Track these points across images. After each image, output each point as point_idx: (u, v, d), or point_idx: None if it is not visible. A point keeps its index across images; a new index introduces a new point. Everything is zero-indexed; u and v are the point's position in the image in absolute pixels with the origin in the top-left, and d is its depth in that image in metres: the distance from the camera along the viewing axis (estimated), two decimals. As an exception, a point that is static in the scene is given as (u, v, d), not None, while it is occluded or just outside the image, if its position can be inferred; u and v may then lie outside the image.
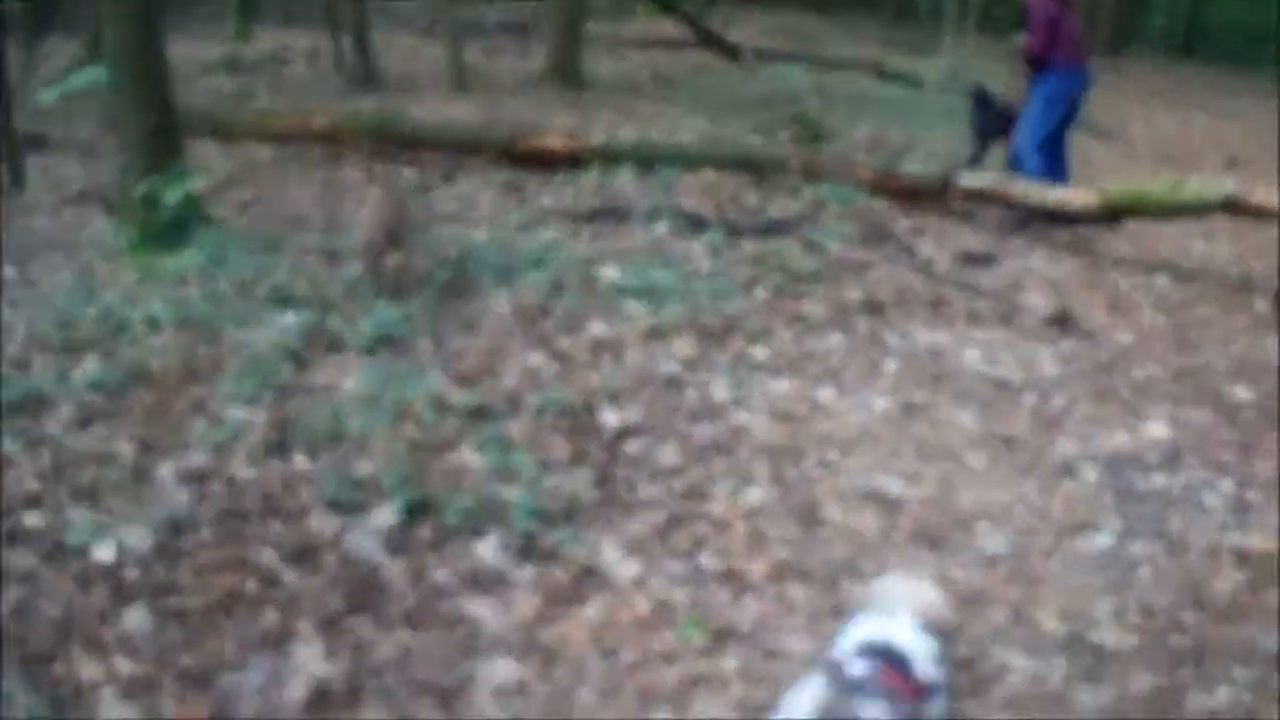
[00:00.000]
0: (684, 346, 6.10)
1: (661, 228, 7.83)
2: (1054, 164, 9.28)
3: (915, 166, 8.96)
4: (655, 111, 13.19)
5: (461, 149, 9.57)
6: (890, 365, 6.17)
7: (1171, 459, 5.42)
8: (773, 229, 7.86)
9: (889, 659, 2.72)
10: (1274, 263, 8.67)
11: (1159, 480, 5.22)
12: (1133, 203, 8.10)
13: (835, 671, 2.68)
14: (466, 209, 8.34)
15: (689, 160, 9.13)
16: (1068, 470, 5.25)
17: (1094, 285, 7.70)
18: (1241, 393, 6.21)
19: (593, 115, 12.60)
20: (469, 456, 4.85)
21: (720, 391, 5.71)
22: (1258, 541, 4.75)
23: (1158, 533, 4.79)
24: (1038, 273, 7.83)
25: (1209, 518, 4.94)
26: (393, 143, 9.74)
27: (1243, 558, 4.65)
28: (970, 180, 8.55)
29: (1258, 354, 6.82)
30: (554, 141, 9.43)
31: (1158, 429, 5.71)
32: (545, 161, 9.31)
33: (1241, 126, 18.47)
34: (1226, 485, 5.23)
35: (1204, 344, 6.90)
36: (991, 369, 6.20)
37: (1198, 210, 8.11)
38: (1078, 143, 13.57)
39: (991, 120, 10.03)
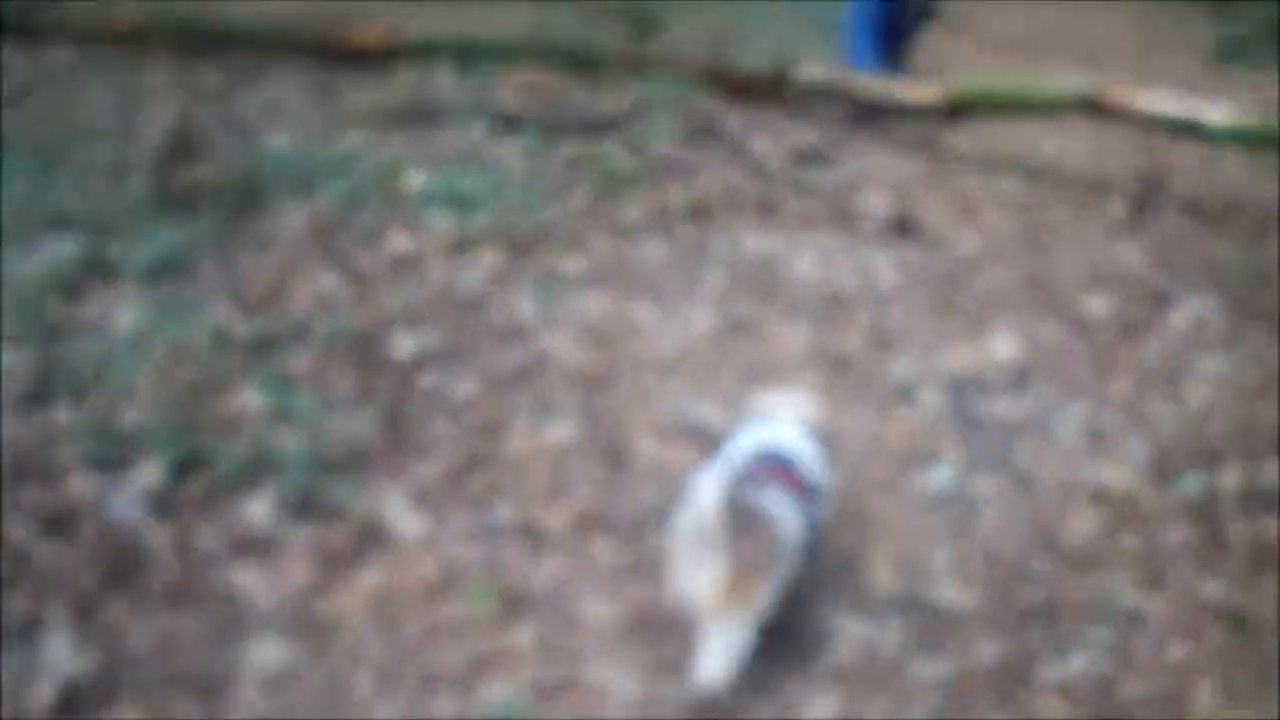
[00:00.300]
0: (490, 260, 5.47)
1: (476, 130, 7.09)
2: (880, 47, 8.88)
3: (749, 60, 8.24)
4: (480, 6, 12.29)
5: (272, 46, 8.65)
6: (715, 276, 5.56)
7: (1020, 380, 4.94)
8: (595, 128, 7.16)
9: (779, 461, 3.04)
10: (1132, 162, 8.26)
11: (1005, 405, 4.74)
12: (977, 98, 7.53)
13: (733, 469, 2.90)
14: (270, 112, 7.49)
15: (509, 54, 8.33)
16: (905, 394, 4.74)
17: (937, 186, 7.16)
18: (1096, 305, 5.75)
19: (418, 5, 11.74)
20: (249, 397, 4.27)
21: (527, 310, 5.12)
22: (1114, 476, 4.26)
23: (1004, 466, 4.28)
24: (877, 173, 7.26)
25: (1060, 448, 4.47)
26: (200, 41, 8.78)
27: (1098, 495, 4.19)
28: (807, 74, 7.89)
29: (1113, 261, 6.40)
30: (369, 37, 8.54)
31: (1005, 346, 5.20)
32: (360, 58, 8.43)
33: (1101, 17, 18.15)
34: (1080, 410, 4.78)
35: (1055, 250, 6.43)
36: (825, 279, 5.64)
37: (1049, 108, 7.62)
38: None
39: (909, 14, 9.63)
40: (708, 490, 2.76)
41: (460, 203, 5.89)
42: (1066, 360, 5.15)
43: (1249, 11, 19.16)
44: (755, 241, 5.96)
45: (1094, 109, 7.39)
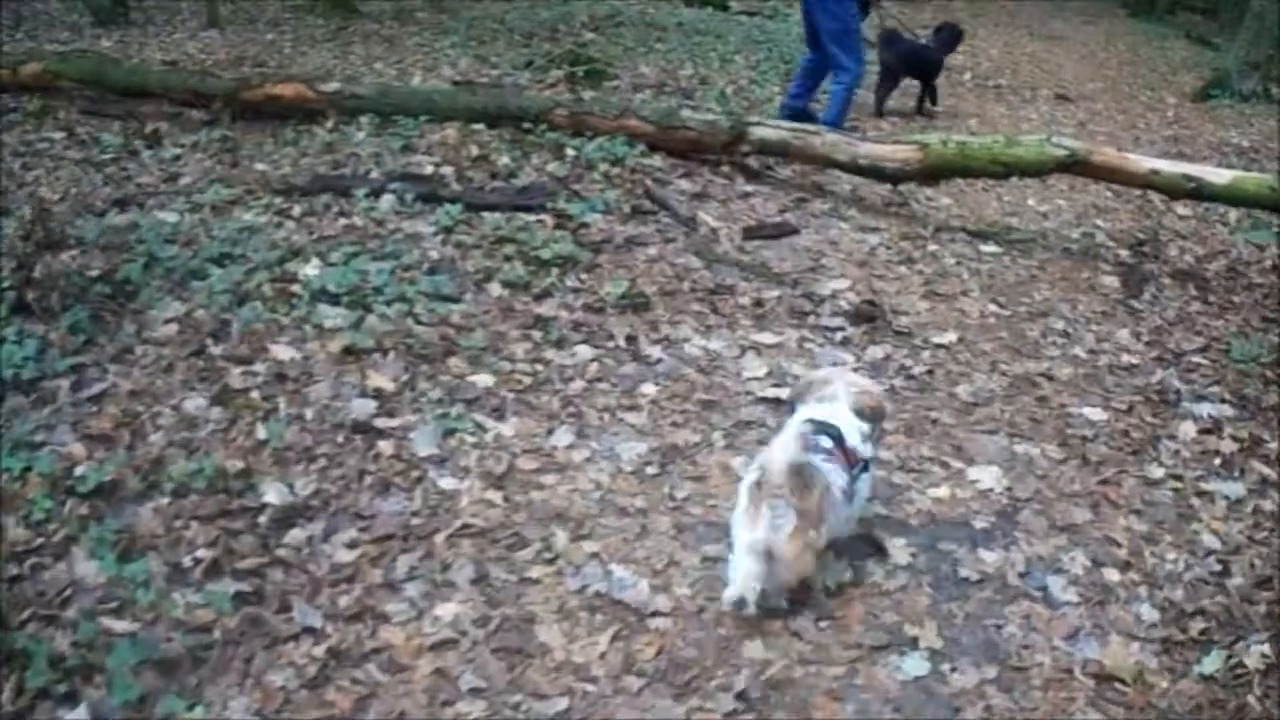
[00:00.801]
0: (386, 374, 4.72)
1: (388, 202, 6.35)
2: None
3: (701, 115, 7.52)
4: (422, 44, 11.65)
5: (182, 98, 7.92)
6: (649, 389, 4.84)
7: (1008, 521, 4.21)
8: (523, 200, 6.39)
9: (828, 434, 3.48)
10: (1124, 224, 7.60)
11: (990, 559, 3.94)
12: (958, 161, 6.86)
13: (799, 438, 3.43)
14: (165, 180, 6.78)
15: (436, 112, 7.62)
16: (872, 548, 3.92)
17: (910, 260, 6.50)
18: (1092, 413, 5.04)
19: (352, 49, 11.12)
20: (82, 567, 3.54)
21: (423, 443, 4.35)
22: (1120, 655, 3.51)
23: (990, 650, 3.51)
24: (843, 247, 6.58)
25: (1056, 617, 3.68)
26: (109, 91, 8.07)
27: (1102, 683, 3.40)
28: (765, 133, 7.16)
29: (1109, 353, 5.73)
30: (286, 90, 7.79)
31: (989, 475, 4.48)
32: (277, 113, 7.83)
33: (1073, 51, 17.60)
34: (1078, 561, 4.02)
35: (1044, 342, 5.72)
36: (776, 389, 4.85)
37: (1033, 171, 6.91)
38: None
39: (898, 59, 10.67)
40: (782, 454, 3.36)
41: (358, 298, 5.16)
42: (1061, 491, 4.44)
43: (1230, 47, 18.73)
44: (698, 342, 5.25)
45: (1083, 169, 6.64)
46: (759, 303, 5.66)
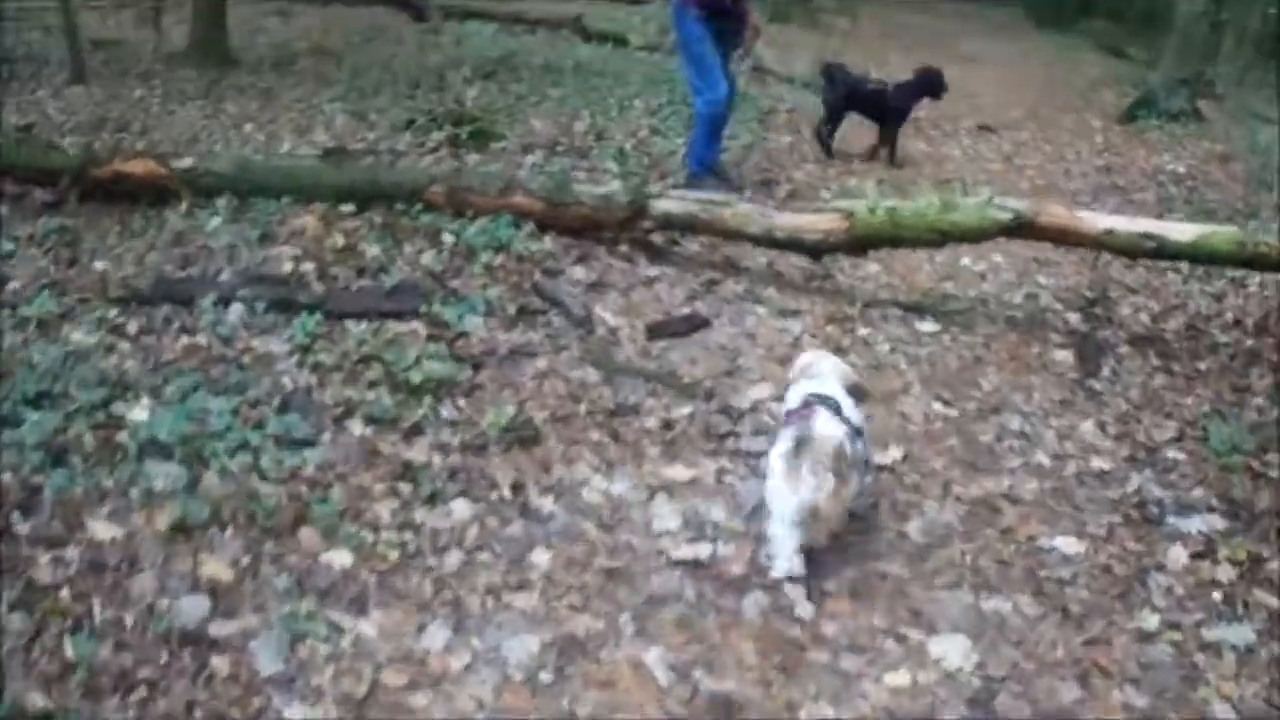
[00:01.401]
0: (224, 557, 3.87)
1: (237, 313, 5.50)
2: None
3: (596, 189, 6.73)
4: (300, 99, 10.83)
5: (26, 176, 7.09)
6: (541, 557, 4.05)
7: (982, 712, 3.45)
8: (392, 304, 5.57)
9: (827, 404, 4.02)
10: (1071, 282, 6.97)
11: (969, 780, 3.17)
12: (889, 230, 6.16)
13: (797, 420, 3.97)
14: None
15: (300, 191, 6.79)
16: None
17: (840, 349, 5.77)
18: (1066, 545, 4.36)
19: (225, 106, 10.30)
20: None
21: (267, 658, 3.49)
22: None
23: None
24: (762, 340, 5.87)
25: None
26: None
27: None
28: (670, 206, 6.39)
29: (1075, 455, 5.08)
30: (136, 166, 6.93)
31: (954, 649, 3.75)
32: (126, 195, 6.97)
33: (989, 73, 17.11)
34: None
35: (1000, 449, 5.06)
36: (694, 546, 4.06)
37: (975, 237, 6.24)
38: (804, 106, 11.86)
39: (841, 96, 10.27)
40: (821, 428, 3.86)
41: (194, 449, 4.31)
42: (1042, 660, 3.73)
43: (1157, 61, 18.29)
44: (599, 485, 4.47)
45: (1030, 232, 5.99)
46: (668, 424, 4.90)
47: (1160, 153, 11.81)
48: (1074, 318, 6.66)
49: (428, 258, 6.16)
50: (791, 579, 3.88)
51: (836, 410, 4.00)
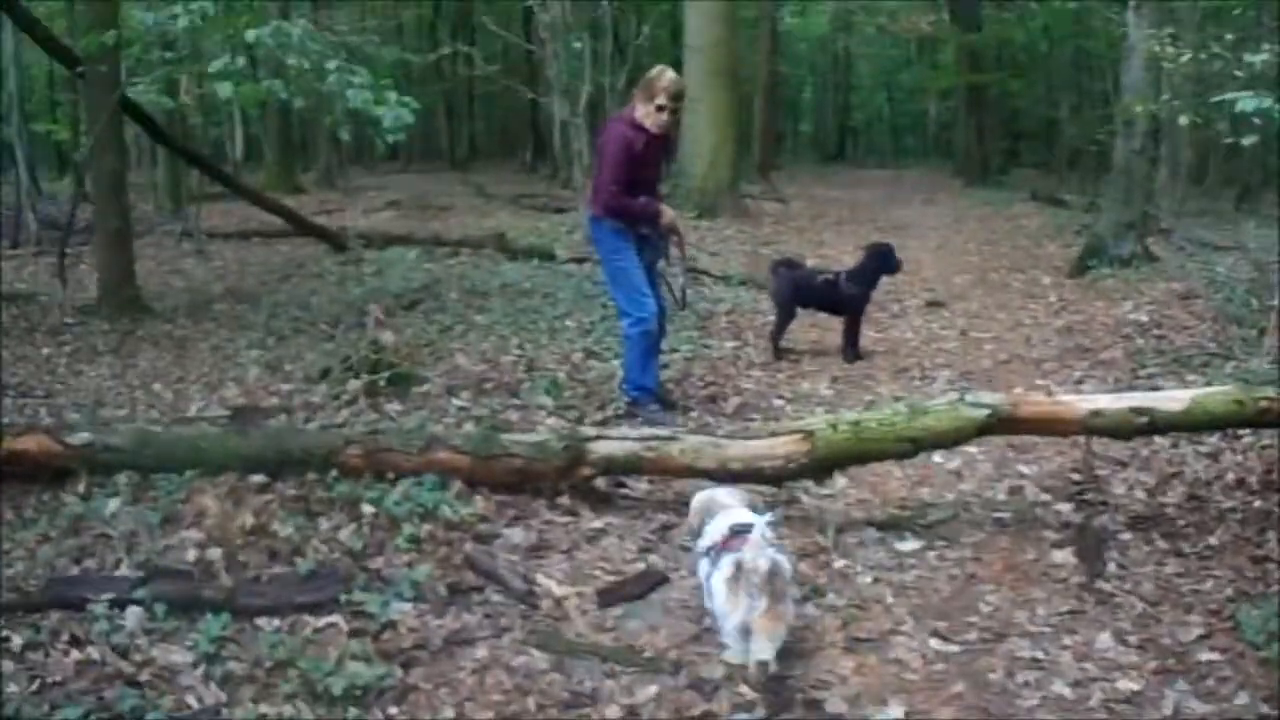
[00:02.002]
0: None
1: (135, 617, 4.88)
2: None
3: (529, 436, 6.19)
4: (216, 347, 10.33)
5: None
6: None
7: None
8: (309, 594, 5.00)
9: (749, 530, 4.41)
10: (1047, 460, 6.59)
11: None
12: (853, 447, 5.67)
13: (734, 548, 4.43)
14: None
15: (206, 462, 6.25)
16: None
17: (817, 590, 5.31)
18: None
19: (136, 361, 9.98)
20: None
21: None
22: None
23: None
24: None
25: None
26: None
27: None
28: (610, 446, 5.88)
29: (1098, 678, 4.52)
30: (29, 443, 6.35)
31: None
32: (23, 473, 6.32)
33: (927, 241, 16.91)
34: None
35: (1014, 686, 4.53)
36: None
37: (950, 442, 5.78)
38: (744, 305, 11.46)
39: (791, 294, 9.92)
40: (755, 554, 4.27)
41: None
42: None
43: (1093, 209, 18.21)
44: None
45: (1009, 426, 5.51)
46: (632, 711, 4.26)
47: (1119, 302, 11.46)
48: (1065, 508, 6.16)
49: (346, 534, 5.56)
50: (734, 661, 4.48)
51: (761, 534, 4.36)
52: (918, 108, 50.54)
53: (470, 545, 5.44)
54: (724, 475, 5.82)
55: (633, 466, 5.89)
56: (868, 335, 10.40)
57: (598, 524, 5.85)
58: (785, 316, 9.92)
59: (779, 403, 8.35)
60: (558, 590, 5.16)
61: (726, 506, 4.81)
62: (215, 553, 5.45)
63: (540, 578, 5.27)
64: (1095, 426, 5.68)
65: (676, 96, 7.33)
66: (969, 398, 5.73)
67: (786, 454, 5.73)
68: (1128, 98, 12.92)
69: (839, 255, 15.33)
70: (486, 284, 12.67)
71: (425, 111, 32.30)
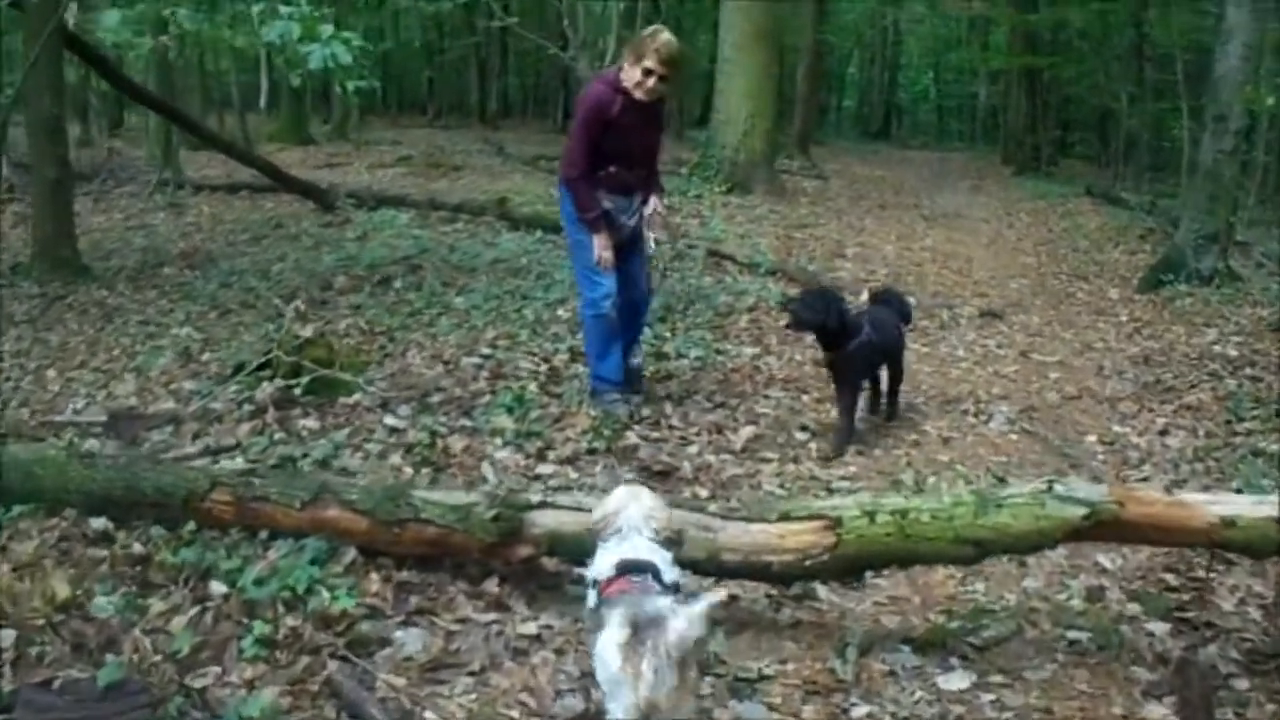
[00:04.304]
0: None
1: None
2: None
3: (448, 497, 4.54)
4: (145, 321, 8.83)
5: None
6: None
7: None
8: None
9: (644, 571, 3.53)
10: (1134, 552, 5.26)
11: None
12: (896, 545, 4.11)
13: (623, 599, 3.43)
14: None
15: (43, 496, 4.79)
16: None
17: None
18: None
19: (53, 332, 8.73)
20: None
21: None
22: None
23: None
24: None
25: None
26: None
27: None
28: (558, 519, 4.30)
29: None
30: None
31: None
32: None
33: (977, 235, 15.21)
34: None
35: None
36: None
37: (1029, 546, 4.23)
38: (771, 300, 9.86)
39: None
40: (656, 614, 3.27)
41: None
42: None
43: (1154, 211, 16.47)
44: None
45: (1111, 530, 3.90)
46: None
47: (1200, 329, 9.80)
48: (1160, 629, 4.58)
49: (179, 624, 3.95)
50: None
51: (657, 577, 3.55)
52: (966, 89, 48.64)
53: (332, 666, 3.80)
54: (715, 570, 4.24)
55: (587, 547, 4.26)
56: (914, 349, 8.73)
57: (531, 627, 4.25)
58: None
59: (801, 436, 6.76)
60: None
61: (628, 533, 3.71)
62: (7, 636, 3.88)
63: (430, 718, 3.65)
64: (1226, 540, 4.05)
65: (669, 62, 6.33)
66: (1059, 488, 4.09)
67: (801, 547, 4.17)
68: (1222, 89, 11.16)
69: (879, 246, 13.67)
70: (476, 258, 11.05)
71: (456, 65, 31.00)
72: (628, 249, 6.73)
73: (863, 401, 6.94)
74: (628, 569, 3.54)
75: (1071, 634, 4.51)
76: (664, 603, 3.38)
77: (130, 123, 25.35)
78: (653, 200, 6.73)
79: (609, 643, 3.31)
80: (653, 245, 6.92)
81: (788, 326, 6.93)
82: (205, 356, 7.64)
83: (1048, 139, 29.00)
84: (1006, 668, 4.23)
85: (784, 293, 9.71)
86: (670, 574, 3.62)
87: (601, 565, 3.65)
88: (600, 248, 6.50)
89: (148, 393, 6.90)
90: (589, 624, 3.67)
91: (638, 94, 6.33)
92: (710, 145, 17.06)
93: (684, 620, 3.25)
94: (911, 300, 9.50)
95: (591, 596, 3.65)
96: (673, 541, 3.82)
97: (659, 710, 3.27)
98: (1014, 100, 30.21)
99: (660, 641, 3.22)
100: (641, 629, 3.25)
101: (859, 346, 6.58)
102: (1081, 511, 3.99)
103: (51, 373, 7.57)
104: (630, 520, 3.73)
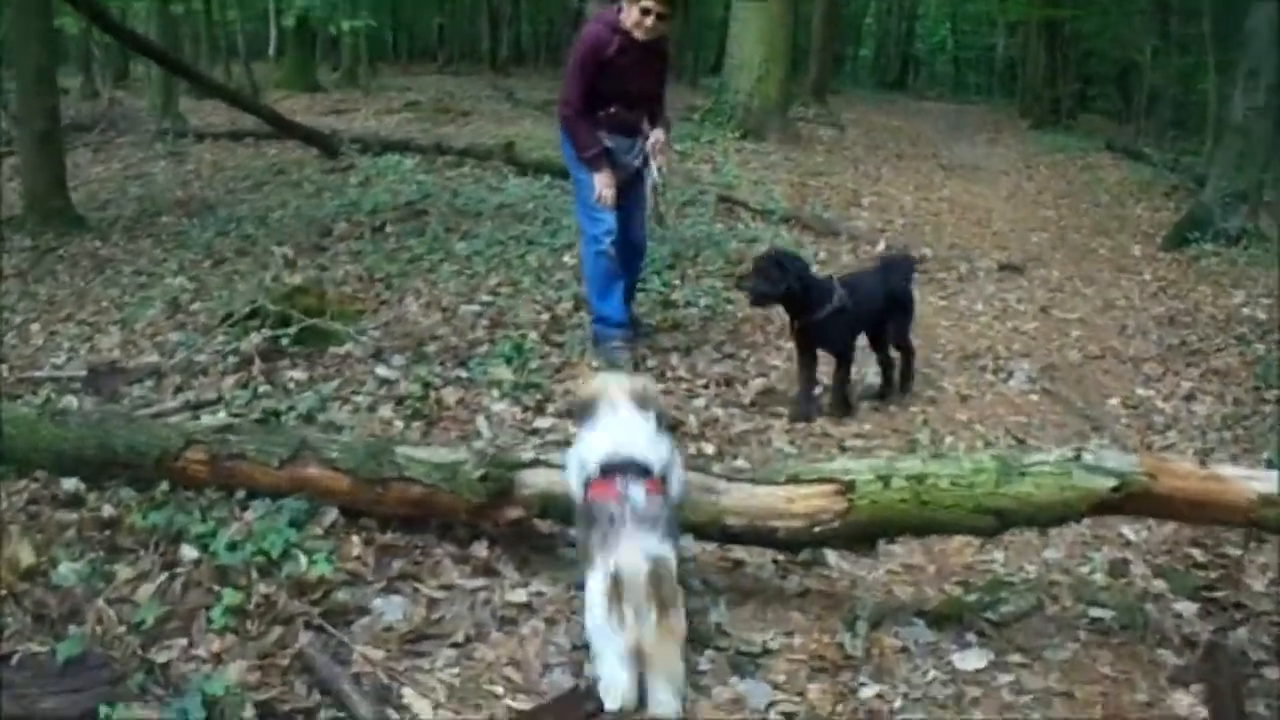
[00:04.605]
0: None
1: None
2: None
3: (434, 454, 4.26)
4: (139, 271, 8.60)
5: None
6: None
7: None
8: (61, 696, 3.39)
9: (633, 469, 3.49)
10: (1161, 525, 4.94)
11: None
12: (911, 513, 3.88)
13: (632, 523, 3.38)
14: None
15: (14, 456, 4.71)
16: None
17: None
18: None
19: (42, 285, 8.49)
20: None
21: None
22: None
23: None
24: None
25: None
26: None
27: None
28: (550, 478, 4.02)
29: None
30: None
31: None
32: None
33: (996, 187, 14.87)
34: None
35: None
36: None
37: (1054, 518, 3.95)
38: (781, 241, 9.57)
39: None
40: (631, 557, 3.26)
41: None
42: None
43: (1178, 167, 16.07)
44: None
45: (1141, 504, 3.83)
46: None
47: (1227, 290, 9.49)
48: (1188, 610, 4.30)
49: (145, 593, 3.69)
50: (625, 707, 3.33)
51: (645, 473, 3.52)
52: (983, 41, 48.03)
53: (304, 639, 3.54)
54: (719, 534, 4.00)
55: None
56: (932, 302, 8.44)
57: (521, 595, 3.98)
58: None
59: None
60: (428, 713, 3.31)
61: (608, 415, 3.72)
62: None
63: (408, 695, 3.40)
64: (1264, 520, 3.76)
65: (666, 0, 6.16)
66: (1088, 456, 3.80)
67: (810, 512, 3.88)
68: (1254, 43, 10.80)
69: (897, 195, 13.33)
70: (481, 203, 10.74)
71: (468, 11, 30.55)
72: (628, 192, 6.57)
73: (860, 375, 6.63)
74: (613, 468, 3.50)
75: (1094, 611, 4.24)
76: (644, 543, 3.33)
77: (136, 73, 25.01)
78: (655, 131, 6.57)
79: (593, 590, 3.36)
80: (656, 174, 6.65)
81: (752, 304, 6.55)
82: (195, 306, 7.36)
83: (1067, 92, 28.51)
84: (1025, 646, 3.97)
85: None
86: (656, 457, 3.60)
87: (587, 456, 3.61)
88: (601, 184, 6.33)
89: (132, 345, 6.64)
90: (577, 521, 3.70)
91: (637, 34, 6.18)
92: (723, 90, 16.68)
93: (644, 559, 3.28)
94: (928, 252, 9.18)
95: (578, 491, 3.62)
96: (663, 421, 3.89)
97: (645, 654, 3.29)
98: (1033, 53, 29.75)
99: (637, 585, 3.24)
100: (621, 572, 3.26)
101: (832, 314, 6.02)
102: (1110, 483, 3.71)
103: (36, 327, 7.31)
104: (611, 402, 3.75)
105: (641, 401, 3.77)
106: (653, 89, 6.52)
